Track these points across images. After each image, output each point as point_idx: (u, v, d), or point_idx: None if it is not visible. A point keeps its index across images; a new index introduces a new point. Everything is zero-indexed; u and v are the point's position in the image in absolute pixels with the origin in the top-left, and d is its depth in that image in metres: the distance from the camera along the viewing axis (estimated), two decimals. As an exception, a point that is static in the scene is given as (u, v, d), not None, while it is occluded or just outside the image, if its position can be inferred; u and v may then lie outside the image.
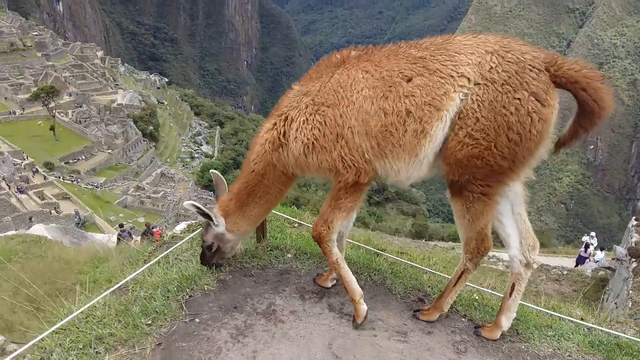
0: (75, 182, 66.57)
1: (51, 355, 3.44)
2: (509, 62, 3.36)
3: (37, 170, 63.62)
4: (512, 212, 3.84)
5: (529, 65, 3.34)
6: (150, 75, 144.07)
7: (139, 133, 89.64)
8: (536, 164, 3.56)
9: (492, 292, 4.69)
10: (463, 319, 4.25)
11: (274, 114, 4.13)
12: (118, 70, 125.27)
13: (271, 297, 4.33)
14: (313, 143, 3.82)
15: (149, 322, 3.84)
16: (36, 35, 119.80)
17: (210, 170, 4.81)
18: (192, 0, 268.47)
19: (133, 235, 17.11)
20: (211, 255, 4.51)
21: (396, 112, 3.55)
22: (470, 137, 3.39)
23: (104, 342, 3.58)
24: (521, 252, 3.85)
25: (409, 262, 5.08)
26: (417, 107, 3.50)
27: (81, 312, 3.81)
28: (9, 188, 55.09)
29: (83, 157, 78.35)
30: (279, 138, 4.01)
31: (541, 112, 3.29)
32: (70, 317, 3.73)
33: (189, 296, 4.24)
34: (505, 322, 3.96)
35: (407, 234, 45.25)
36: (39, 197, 54.52)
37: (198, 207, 4.17)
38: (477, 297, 4.53)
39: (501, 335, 4.01)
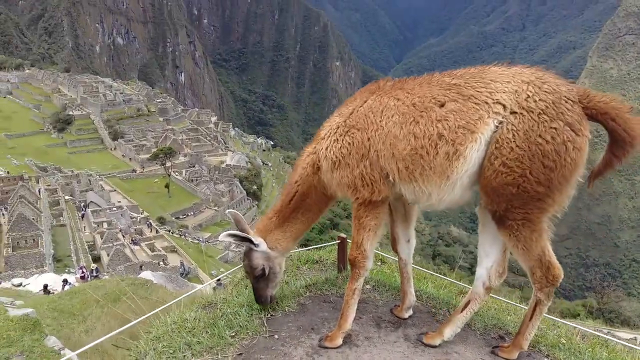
0: (183, 237, 68.47)
1: (145, 357, 3.88)
2: (545, 92, 3.44)
3: (150, 224, 66.31)
4: (499, 238, 3.81)
5: (565, 96, 3.43)
6: (257, 139, 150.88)
7: (243, 192, 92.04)
8: (573, 193, 3.56)
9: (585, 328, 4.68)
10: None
11: (315, 139, 4.34)
12: (229, 133, 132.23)
13: (348, 323, 4.43)
14: (340, 160, 3.99)
15: (233, 334, 4.22)
16: (160, 102, 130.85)
17: (227, 211, 5.24)
18: (300, 70, 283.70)
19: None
20: (265, 284, 4.43)
21: (427, 136, 3.63)
22: (505, 165, 3.44)
23: (191, 348, 3.99)
24: (488, 275, 3.94)
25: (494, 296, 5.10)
26: (450, 130, 3.57)
27: (174, 323, 4.37)
28: (124, 239, 57.47)
29: (192, 213, 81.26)
30: (317, 162, 4.22)
31: (576, 141, 3.38)
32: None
33: (271, 315, 4.54)
34: (448, 334, 4.04)
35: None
36: (149, 249, 56.29)
37: (234, 234, 4.25)
38: (564, 341, 4.38)
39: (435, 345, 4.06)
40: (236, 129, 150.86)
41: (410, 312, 4.64)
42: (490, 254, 3.95)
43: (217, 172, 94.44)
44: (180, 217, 79.73)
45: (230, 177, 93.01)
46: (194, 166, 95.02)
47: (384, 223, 4.16)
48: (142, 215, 69.80)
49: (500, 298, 5.10)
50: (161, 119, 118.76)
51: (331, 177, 4.10)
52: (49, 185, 67.96)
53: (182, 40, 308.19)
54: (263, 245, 4.38)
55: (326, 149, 4.10)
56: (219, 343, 4.09)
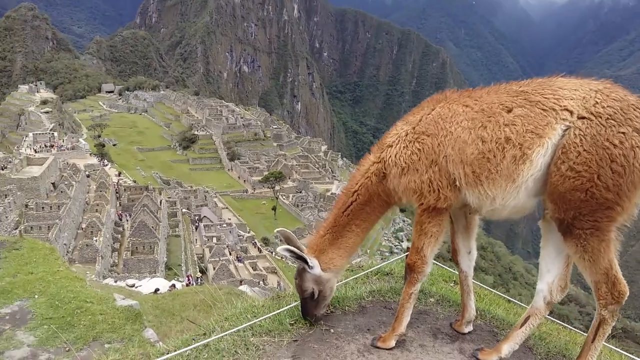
0: (284, 259, 69.75)
1: (212, 333, 4.30)
2: (613, 99, 3.45)
3: (255, 243, 68.50)
4: (562, 251, 3.80)
5: (633, 104, 3.44)
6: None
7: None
8: None
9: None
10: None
11: (378, 148, 4.35)
12: (337, 163, 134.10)
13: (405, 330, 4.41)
14: (409, 166, 4.00)
15: (292, 322, 4.48)
16: (275, 128, 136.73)
17: (276, 230, 4.70)
18: (414, 105, 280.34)
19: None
20: (313, 305, 4.41)
21: (495, 140, 3.67)
22: (572, 170, 3.43)
23: (252, 329, 4.32)
24: (549, 289, 3.87)
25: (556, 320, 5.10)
26: (517, 134, 3.60)
27: (243, 308, 4.77)
28: (230, 255, 59.78)
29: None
30: (383, 170, 4.21)
31: None
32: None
33: (330, 311, 4.73)
34: (506, 350, 3.94)
35: None
36: (252, 267, 57.91)
37: (292, 251, 4.22)
38: None
39: None
40: (344, 158, 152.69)
41: (471, 327, 4.57)
42: (552, 268, 3.88)
43: (322, 199, 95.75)
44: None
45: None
46: (301, 192, 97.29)
47: (446, 231, 4.15)
48: (249, 234, 72.37)
49: (573, 329, 4.92)
50: (275, 144, 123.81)
51: (398, 183, 4.11)
52: (169, 198, 73.01)
53: (301, 71, 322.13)
54: (317, 269, 4.33)
55: (395, 155, 4.11)
56: (278, 328, 4.38)
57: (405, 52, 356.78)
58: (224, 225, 69.69)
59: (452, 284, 5.90)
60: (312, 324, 4.48)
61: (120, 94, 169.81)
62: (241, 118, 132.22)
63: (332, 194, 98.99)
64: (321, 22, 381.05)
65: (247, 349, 4.07)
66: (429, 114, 4.07)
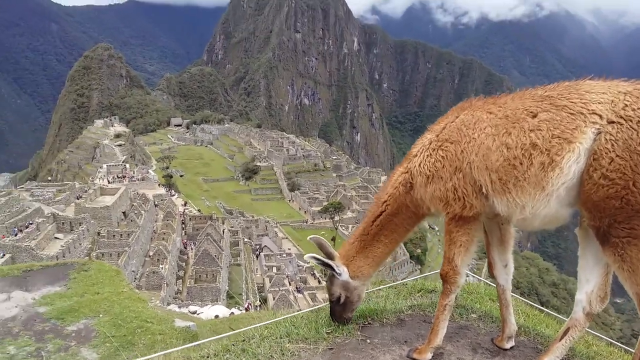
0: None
1: (251, 340, 4.44)
2: None
3: (314, 274, 68.21)
4: (600, 260, 3.65)
5: None
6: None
7: (407, 254, 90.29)
8: None
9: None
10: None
11: (406, 158, 4.36)
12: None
13: (443, 344, 4.32)
14: (433, 174, 3.97)
15: (329, 331, 4.55)
16: (335, 158, 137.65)
17: (309, 237, 4.73)
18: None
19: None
20: (341, 309, 4.50)
21: (520, 146, 3.56)
22: (605, 177, 3.28)
23: (289, 336, 4.46)
24: (589, 300, 3.74)
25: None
26: (544, 139, 3.49)
27: (282, 317, 4.96)
28: (290, 285, 59.77)
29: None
30: (410, 180, 4.19)
31: None
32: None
33: (368, 323, 4.78)
34: None
35: None
36: (311, 298, 57.45)
37: (318, 258, 4.33)
38: None
39: None
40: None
41: (512, 342, 4.47)
42: (591, 278, 3.74)
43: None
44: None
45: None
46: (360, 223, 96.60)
47: (476, 240, 4.06)
48: (308, 265, 72.25)
49: (628, 347, 4.71)
50: (334, 174, 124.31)
51: (424, 192, 4.07)
52: (232, 227, 74.52)
53: (361, 103, 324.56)
54: (345, 275, 4.37)
55: (419, 164, 4.10)
56: (315, 336, 4.46)
57: (467, 81, 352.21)
58: (284, 255, 70.10)
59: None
60: (349, 333, 4.54)
61: (187, 128, 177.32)
62: (301, 149, 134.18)
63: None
64: (381, 54, 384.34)
65: (283, 354, 4.19)
66: (452, 122, 4.04)
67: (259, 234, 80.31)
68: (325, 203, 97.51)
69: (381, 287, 5.60)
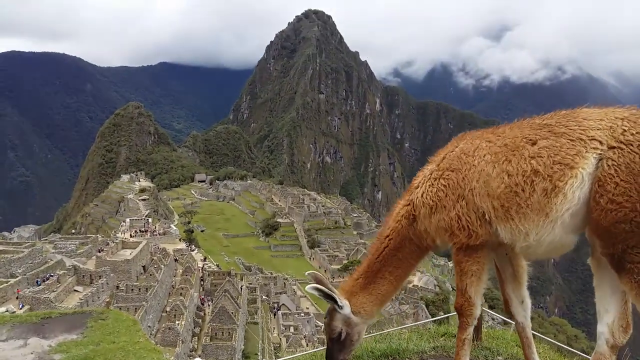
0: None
1: None
2: None
3: (332, 336, 66.57)
4: (617, 289, 3.58)
5: None
6: (449, 262, 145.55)
7: (429, 316, 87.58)
8: None
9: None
10: None
11: (407, 191, 4.40)
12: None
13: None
14: (436, 204, 3.97)
15: None
16: (356, 216, 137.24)
17: (307, 273, 4.72)
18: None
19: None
20: (339, 348, 4.29)
21: (521, 173, 3.59)
22: (612, 202, 3.29)
23: None
24: (611, 331, 3.63)
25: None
26: (545, 166, 3.52)
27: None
28: (307, 346, 58.23)
29: (373, 332, 79.50)
30: (412, 212, 4.18)
31: None
32: None
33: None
34: None
35: None
36: (328, 361, 55.81)
37: (321, 290, 4.16)
38: None
39: None
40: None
41: None
42: (609, 308, 3.63)
43: (403, 291, 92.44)
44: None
45: (416, 298, 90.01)
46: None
47: (487, 268, 4.01)
48: (327, 325, 70.67)
49: None
50: (355, 232, 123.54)
51: (429, 223, 4.06)
52: (250, 284, 73.87)
53: (382, 162, 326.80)
54: (347, 309, 4.26)
55: (422, 195, 4.10)
56: None
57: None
58: (302, 314, 68.78)
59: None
60: None
61: (211, 183, 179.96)
62: (322, 206, 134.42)
63: (414, 286, 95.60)
64: (403, 115, 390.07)
65: None
66: (452, 151, 4.10)
67: (277, 292, 79.32)
68: (345, 261, 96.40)
69: (403, 327, 5.76)
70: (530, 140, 3.68)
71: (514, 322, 4.47)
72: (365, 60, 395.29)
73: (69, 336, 7.00)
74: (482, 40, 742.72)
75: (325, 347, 4.43)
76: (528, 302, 4.33)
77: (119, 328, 7.20)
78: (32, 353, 6.44)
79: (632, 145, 3.32)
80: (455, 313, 4.32)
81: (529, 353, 4.35)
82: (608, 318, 3.65)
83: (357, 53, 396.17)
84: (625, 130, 3.38)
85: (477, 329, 5.31)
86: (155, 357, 6.40)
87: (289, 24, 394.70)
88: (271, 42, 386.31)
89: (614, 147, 3.37)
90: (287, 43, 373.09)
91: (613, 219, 3.28)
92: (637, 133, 3.35)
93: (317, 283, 4.39)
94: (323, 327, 4.45)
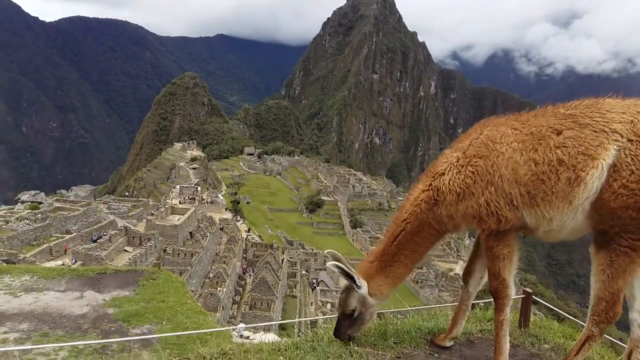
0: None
1: (321, 340, 4.60)
2: None
3: (368, 316, 66.95)
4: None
5: None
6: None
7: (469, 307, 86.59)
8: None
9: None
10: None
11: (427, 176, 4.38)
12: (464, 242, 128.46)
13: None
14: (464, 190, 4.00)
15: (397, 341, 4.73)
16: (401, 200, 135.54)
17: (326, 251, 4.93)
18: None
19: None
20: (349, 324, 4.43)
21: (547, 162, 3.71)
22: (625, 187, 3.46)
23: (358, 341, 4.60)
24: None
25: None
26: (570, 156, 3.64)
27: None
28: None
29: (410, 315, 79.38)
30: (434, 196, 4.19)
31: None
32: None
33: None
34: None
35: None
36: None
37: (341, 268, 4.23)
38: None
39: None
40: (472, 238, 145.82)
41: (452, 343, 4.78)
42: (637, 294, 3.75)
43: (444, 279, 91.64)
44: (398, 315, 78.74)
45: (456, 287, 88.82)
46: (421, 268, 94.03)
47: (517, 249, 4.07)
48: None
49: None
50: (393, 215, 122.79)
51: (456, 210, 4.09)
52: (291, 258, 75.02)
53: (433, 146, 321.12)
54: (364, 289, 4.33)
55: (449, 182, 4.10)
56: (382, 344, 4.58)
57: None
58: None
59: (572, 341, 5.62)
60: (417, 345, 4.64)
61: (259, 157, 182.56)
62: (367, 187, 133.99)
63: (455, 274, 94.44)
64: (458, 99, 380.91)
65: (351, 355, 4.32)
66: (477, 138, 4.11)
67: (316, 268, 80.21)
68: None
69: (447, 305, 5.86)
70: (556, 130, 3.78)
71: (462, 290, 4.71)
72: (423, 42, 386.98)
73: (122, 292, 7.36)
74: (549, 27, 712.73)
75: (336, 321, 4.53)
76: (485, 279, 4.49)
77: (169, 288, 7.50)
78: (87, 305, 6.80)
79: None
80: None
81: (461, 318, 4.69)
82: (637, 304, 3.77)
83: (415, 33, 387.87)
84: None
85: (525, 317, 5.44)
86: (202, 319, 6.63)
87: (347, 0, 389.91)
88: (328, 18, 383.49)
89: (632, 140, 3.52)
90: (345, 20, 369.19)
91: (622, 204, 3.47)
92: None
93: (340, 260, 4.48)
94: (338, 301, 4.48)
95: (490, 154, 3.94)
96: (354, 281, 4.27)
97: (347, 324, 4.42)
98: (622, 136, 3.55)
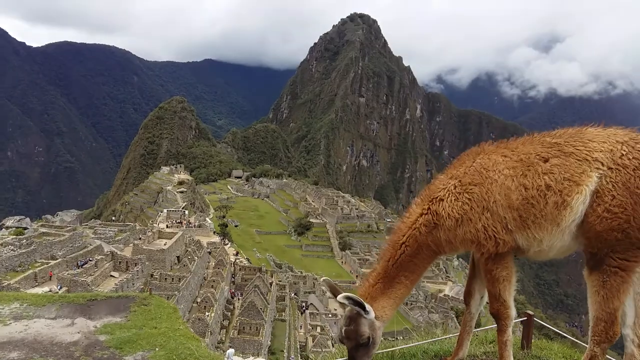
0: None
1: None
2: (639, 151, 3.87)
3: (358, 339, 66.34)
4: (633, 292, 3.91)
5: None
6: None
7: (458, 327, 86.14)
8: None
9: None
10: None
11: (423, 200, 4.58)
12: (452, 263, 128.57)
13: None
14: (462, 216, 4.21)
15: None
16: (389, 221, 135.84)
17: (321, 279, 4.92)
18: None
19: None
20: (364, 353, 4.29)
21: (536, 187, 4.01)
22: (608, 211, 3.75)
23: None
24: (634, 331, 3.94)
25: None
26: (556, 182, 3.96)
27: None
28: (333, 348, 58.22)
29: (400, 337, 78.75)
30: (432, 220, 4.38)
31: None
32: None
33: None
34: None
35: None
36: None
37: (351, 298, 4.20)
38: None
39: None
40: (460, 259, 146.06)
41: None
42: (627, 311, 3.93)
43: (433, 300, 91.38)
44: (389, 339, 78.09)
45: (446, 308, 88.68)
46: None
47: (514, 271, 4.27)
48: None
49: None
50: (387, 237, 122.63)
51: (454, 235, 4.28)
52: (280, 281, 74.41)
53: (420, 168, 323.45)
54: (372, 314, 4.34)
55: (448, 207, 4.30)
56: None
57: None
58: (330, 315, 68.83)
59: None
60: None
61: (247, 180, 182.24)
62: (356, 209, 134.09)
63: (445, 295, 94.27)
64: (443, 122, 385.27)
65: None
66: (471, 166, 4.39)
67: (306, 291, 79.67)
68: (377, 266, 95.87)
69: (451, 336, 5.81)
70: (543, 157, 4.09)
71: (465, 311, 4.88)
72: (409, 66, 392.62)
73: (113, 318, 7.33)
74: (530, 51, 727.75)
75: (348, 355, 4.36)
76: (485, 298, 4.65)
77: (161, 314, 7.49)
78: (78, 332, 6.77)
79: (628, 168, 3.81)
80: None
81: (466, 339, 4.86)
82: (629, 320, 3.97)
83: (400, 58, 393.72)
84: (623, 155, 3.87)
85: (528, 338, 5.64)
86: (195, 345, 6.62)
87: (333, 26, 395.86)
88: (315, 43, 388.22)
89: (612, 168, 3.85)
90: (331, 45, 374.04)
91: (607, 226, 3.76)
92: (633, 158, 3.83)
93: (330, 288, 4.67)
94: (342, 334, 4.33)
95: (484, 182, 4.19)
96: (364, 308, 4.26)
97: (362, 353, 4.31)
98: (602, 164, 3.86)
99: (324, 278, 5.03)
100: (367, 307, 4.31)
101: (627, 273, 3.77)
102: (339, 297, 4.36)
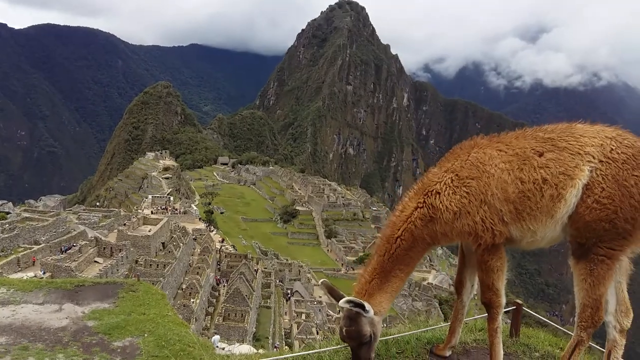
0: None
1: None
2: (626, 146, 4.12)
3: (343, 326, 66.93)
4: (614, 280, 4.16)
5: None
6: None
7: (441, 315, 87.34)
8: None
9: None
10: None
11: (417, 194, 4.62)
12: (436, 252, 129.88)
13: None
14: (460, 210, 4.31)
15: (399, 351, 5.03)
16: (374, 210, 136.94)
17: (320, 281, 5.01)
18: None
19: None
20: (367, 350, 4.37)
21: (532, 180, 4.17)
22: (598, 202, 3.98)
23: None
24: (615, 317, 4.21)
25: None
26: (552, 175, 4.14)
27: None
28: (317, 335, 58.71)
29: (384, 325, 79.54)
30: (429, 213, 4.45)
31: None
32: None
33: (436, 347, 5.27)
34: None
35: None
36: (337, 351, 56.18)
37: (352, 301, 4.24)
38: None
39: None
40: (444, 248, 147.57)
41: (450, 352, 5.13)
42: (609, 298, 4.19)
43: (417, 288, 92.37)
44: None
45: (429, 296, 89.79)
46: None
47: (506, 262, 4.41)
48: (338, 315, 71.00)
49: None
50: (373, 225, 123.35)
51: (451, 228, 4.39)
52: (265, 268, 74.68)
53: (406, 157, 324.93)
54: (372, 311, 4.38)
55: (445, 201, 4.39)
56: (386, 353, 4.85)
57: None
58: (315, 302, 69.28)
59: (558, 350, 5.98)
60: (418, 355, 4.88)
61: (233, 167, 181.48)
62: (342, 197, 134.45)
63: (428, 283, 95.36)
64: (430, 111, 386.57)
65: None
66: (467, 160, 4.47)
67: (291, 278, 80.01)
68: (361, 253, 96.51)
69: (444, 325, 5.97)
70: (538, 151, 4.26)
71: (457, 300, 5.06)
72: (396, 54, 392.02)
73: (102, 304, 7.35)
74: (517, 41, 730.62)
75: (354, 355, 4.41)
76: (476, 287, 4.83)
77: (149, 300, 7.52)
78: (66, 318, 6.78)
79: (617, 161, 4.03)
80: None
81: (457, 327, 5.05)
82: (610, 307, 4.21)
83: (388, 46, 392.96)
84: (612, 149, 4.08)
85: (516, 327, 5.84)
86: (183, 331, 6.67)
87: (321, 12, 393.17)
88: (302, 30, 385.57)
89: (602, 161, 4.06)
90: (319, 32, 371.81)
91: (596, 217, 3.97)
92: (621, 152, 4.06)
93: (329, 291, 4.69)
94: (344, 333, 4.33)
95: (482, 175, 4.31)
96: (364, 308, 4.27)
97: (365, 350, 4.36)
98: (594, 158, 4.08)
99: (323, 280, 5.00)
100: (367, 306, 4.32)
101: (613, 261, 3.98)
102: (341, 302, 4.34)
